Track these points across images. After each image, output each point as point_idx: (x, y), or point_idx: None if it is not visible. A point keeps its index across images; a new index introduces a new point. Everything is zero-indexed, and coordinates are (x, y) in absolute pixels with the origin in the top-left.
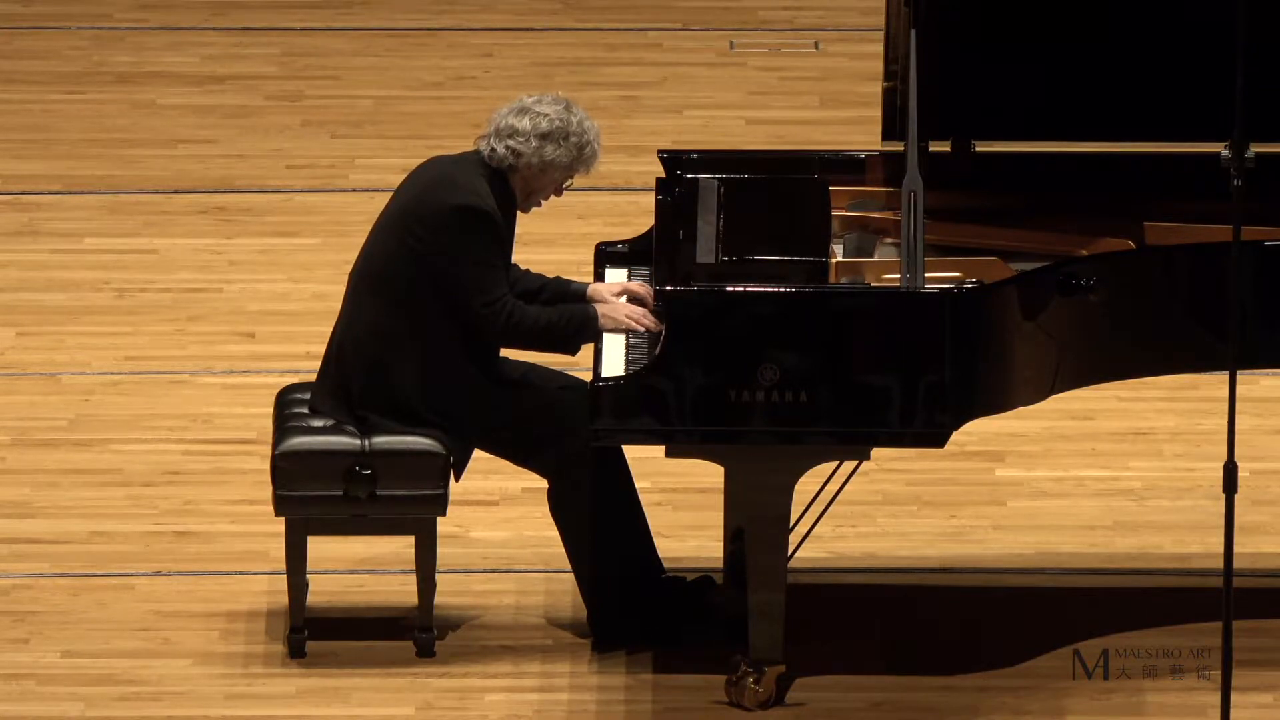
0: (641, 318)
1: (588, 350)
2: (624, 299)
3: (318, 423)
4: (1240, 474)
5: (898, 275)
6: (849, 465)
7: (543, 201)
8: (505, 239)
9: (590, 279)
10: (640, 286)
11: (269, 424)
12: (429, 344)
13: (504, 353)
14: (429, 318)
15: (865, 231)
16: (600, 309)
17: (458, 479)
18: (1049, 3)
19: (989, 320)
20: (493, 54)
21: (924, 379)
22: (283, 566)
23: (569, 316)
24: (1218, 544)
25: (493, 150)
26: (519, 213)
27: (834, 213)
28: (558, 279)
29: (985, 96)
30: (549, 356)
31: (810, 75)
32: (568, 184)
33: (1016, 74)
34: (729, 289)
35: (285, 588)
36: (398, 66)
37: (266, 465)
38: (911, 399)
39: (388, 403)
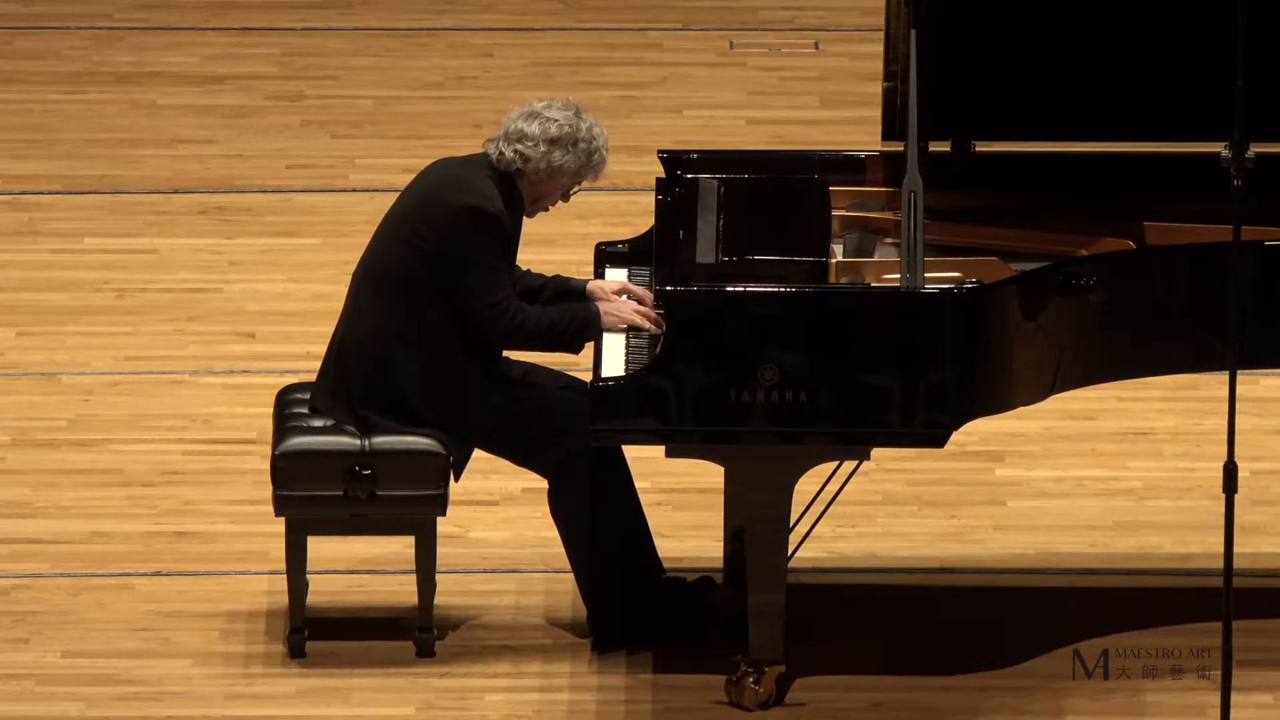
0: (643, 319)
1: (588, 350)
2: (624, 298)
3: (318, 423)
4: (1240, 474)
5: (898, 275)
6: (849, 465)
7: (549, 207)
8: (511, 241)
9: (590, 278)
10: (639, 288)
11: (269, 424)
12: (431, 345)
13: (505, 352)
14: (432, 319)
15: (865, 231)
16: (603, 307)
17: (457, 479)
18: (1049, 3)
19: (989, 320)
20: (493, 54)
21: (924, 379)
22: (283, 566)
23: (571, 315)
24: (1218, 544)
25: (501, 153)
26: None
27: (834, 213)
28: (558, 277)
29: (985, 96)
30: (550, 356)
31: (810, 75)
32: (575, 189)
33: (1017, 74)
34: (729, 289)
35: (285, 588)
36: (398, 66)
37: (266, 465)
38: (911, 399)
39: (388, 403)
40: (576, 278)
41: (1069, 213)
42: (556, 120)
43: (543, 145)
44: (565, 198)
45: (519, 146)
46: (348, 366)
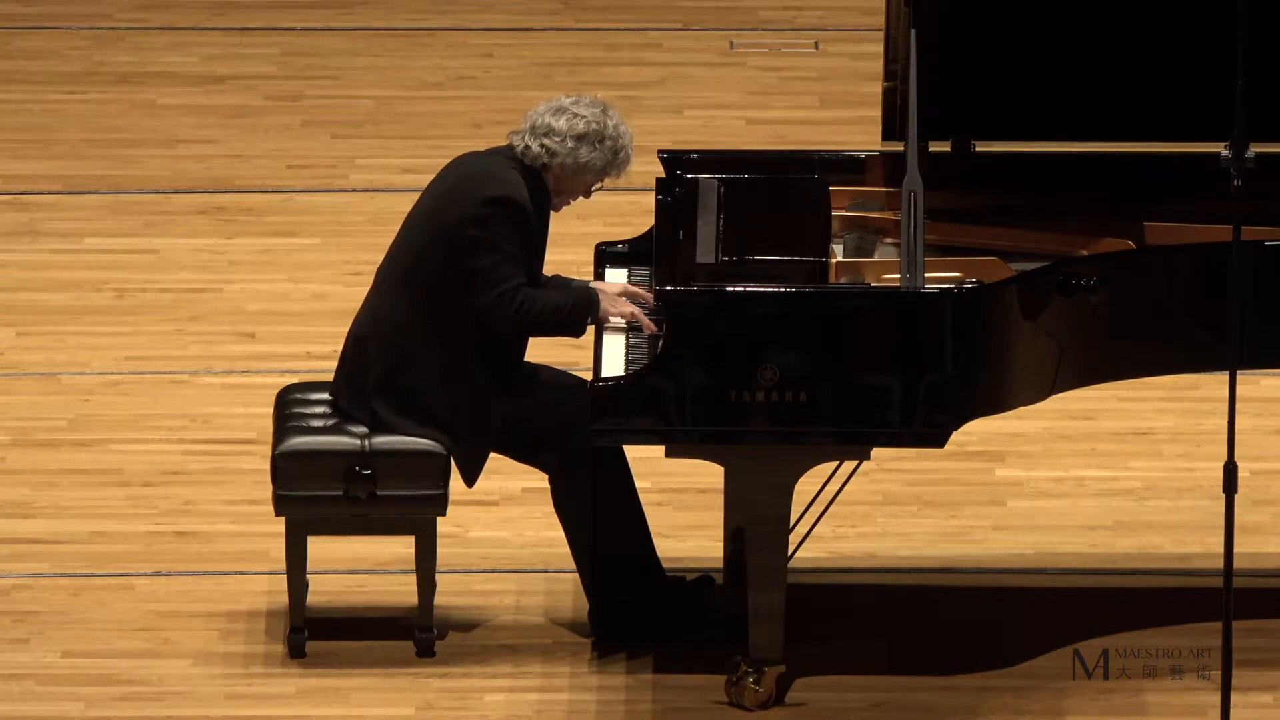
0: (633, 317)
1: (588, 350)
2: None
3: (318, 423)
4: (1240, 474)
5: (898, 275)
6: (849, 465)
7: (571, 202)
8: (533, 232)
9: (590, 279)
10: (640, 290)
11: (269, 424)
12: (450, 342)
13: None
14: (453, 316)
15: (865, 231)
16: (601, 294)
17: (471, 485)
18: (1049, 3)
19: (989, 320)
20: (493, 54)
21: (924, 379)
22: (283, 566)
23: (574, 299)
24: (1218, 544)
25: (527, 147)
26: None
27: (834, 213)
28: (556, 277)
29: (985, 96)
30: (551, 355)
31: (810, 75)
32: (597, 187)
33: (1017, 74)
34: (729, 289)
35: (285, 588)
36: (398, 66)
37: (266, 465)
38: (911, 399)
39: (402, 397)
40: (577, 279)
41: (1069, 213)
42: (584, 117)
43: (570, 141)
44: (587, 194)
45: (545, 141)
46: (366, 359)
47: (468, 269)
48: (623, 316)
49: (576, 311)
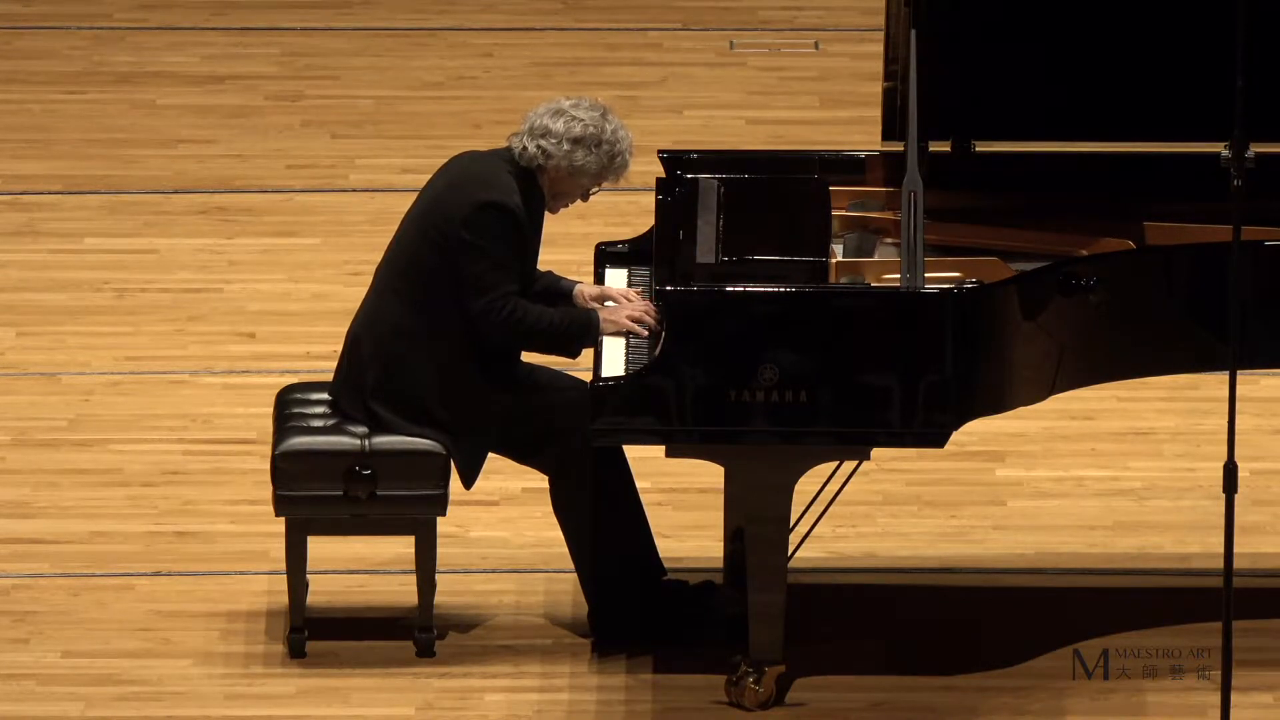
0: (644, 316)
1: (587, 350)
2: (608, 303)
3: (318, 423)
4: (1240, 474)
5: (898, 275)
6: (849, 465)
7: (568, 204)
8: (527, 237)
9: (590, 279)
10: (626, 293)
11: (269, 424)
12: (447, 342)
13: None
14: (449, 316)
15: (865, 231)
16: (601, 313)
17: (469, 487)
18: (1049, 3)
19: (989, 320)
20: (493, 54)
21: (924, 379)
22: (283, 566)
23: (571, 319)
24: (1218, 544)
25: (524, 148)
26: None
27: (834, 213)
28: (549, 273)
29: (985, 96)
30: (549, 357)
31: (810, 75)
32: (595, 190)
33: (1016, 74)
34: (729, 289)
35: (285, 588)
36: (398, 66)
37: (266, 465)
38: (912, 399)
39: (400, 399)
40: (566, 279)
41: (1069, 213)
42: (582, 120)
43: (566, 144)
44: (584, 197)
45: (542, 143)
46: (363, 361)
47: (459, 272)
48: (623, 329)
49: (572, 330)
